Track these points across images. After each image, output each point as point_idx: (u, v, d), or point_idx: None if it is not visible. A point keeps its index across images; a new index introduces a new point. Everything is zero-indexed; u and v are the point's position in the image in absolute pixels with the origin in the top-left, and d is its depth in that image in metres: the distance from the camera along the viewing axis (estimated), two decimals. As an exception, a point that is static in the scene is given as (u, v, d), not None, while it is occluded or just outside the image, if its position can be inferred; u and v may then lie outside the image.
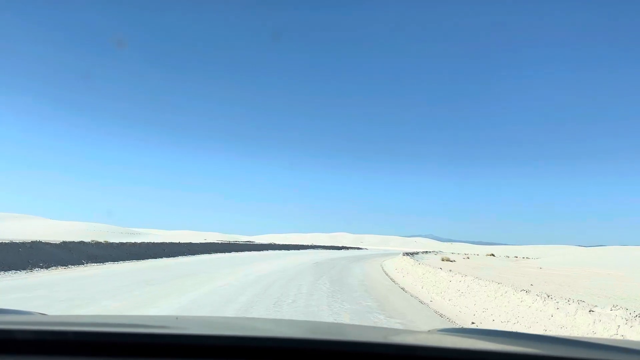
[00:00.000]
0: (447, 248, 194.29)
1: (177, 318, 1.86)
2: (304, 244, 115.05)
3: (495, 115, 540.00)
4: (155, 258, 22.90)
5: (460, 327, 7.57)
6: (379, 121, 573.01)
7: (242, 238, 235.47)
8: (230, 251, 37.36)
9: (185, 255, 27.27)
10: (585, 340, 1.68)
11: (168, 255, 24.73)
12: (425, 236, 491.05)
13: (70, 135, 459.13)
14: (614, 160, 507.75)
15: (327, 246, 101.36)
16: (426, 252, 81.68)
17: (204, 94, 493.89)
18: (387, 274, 21.54)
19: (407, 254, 48.96)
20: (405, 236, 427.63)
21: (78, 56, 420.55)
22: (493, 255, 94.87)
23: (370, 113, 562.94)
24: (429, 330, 2.04)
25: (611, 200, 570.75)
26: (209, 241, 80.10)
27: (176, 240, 50.39)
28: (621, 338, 5.79)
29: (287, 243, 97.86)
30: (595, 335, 6.28)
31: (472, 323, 9.01)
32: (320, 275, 17.67)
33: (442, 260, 42.46)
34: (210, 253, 32.36)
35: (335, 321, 7.68)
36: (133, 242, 28.77)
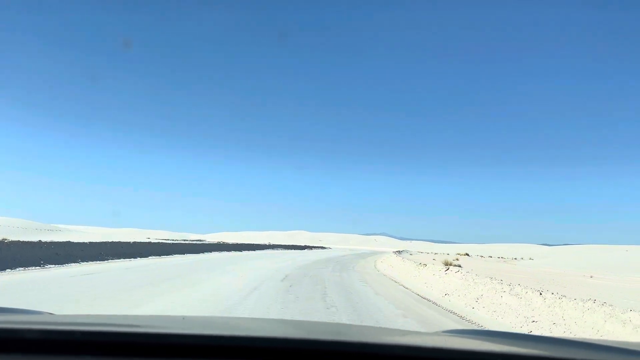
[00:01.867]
0: (409, 247, 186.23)
1: (184, 318, 1.87)
2: (261, 242, 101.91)
3: (447, 117, 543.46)
4: None
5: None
6: (335, 121, 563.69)
7: (192, 237, 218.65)
8: (150, 255, 24.38)
9: (37, 266, 14.32)
10: (590, 341, 1.63)
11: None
12: (381, 234, 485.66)
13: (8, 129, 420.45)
14: (568, 161, 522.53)
15: (287, 245, 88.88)
16: (399, 251, 70.97)
17: (150, 87, 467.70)
18: (448, 310, 9.57)
19: (398, 252, 38.83)
20: (363, 234, 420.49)
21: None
22: (468, 254, 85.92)
23: (327, 113, 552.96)
24: (434, 332, 2.01)
25: (563, 202, 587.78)
26: (150, 240, 65.73)
27: (106, 240, 36.56)
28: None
29: (240, 242, 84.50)
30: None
31: None
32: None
33: (446, 264, 30.97)
34: (106, 260, 19.40)
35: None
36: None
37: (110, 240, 24.58)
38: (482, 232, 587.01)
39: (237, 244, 56.79)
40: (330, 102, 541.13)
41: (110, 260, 19.53)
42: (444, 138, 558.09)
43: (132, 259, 21.33)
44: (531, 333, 6.57)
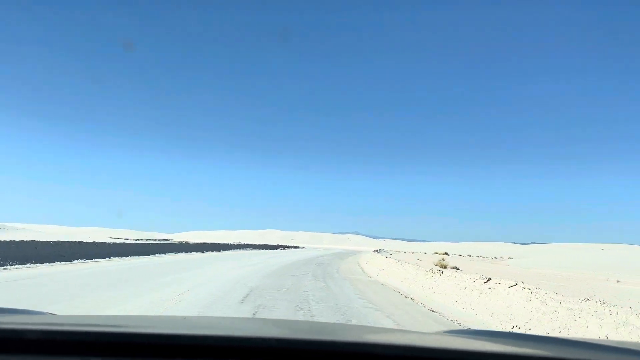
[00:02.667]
0: (384, 246, 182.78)
1: (184, 319, 1.85)
2: (230, 242, 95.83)
3: (413, 117, 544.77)
4: None
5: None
6: (304, 119, 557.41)
7: (159, 236, 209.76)
8: (78, 258, 18.78)
9: None
10: (591, 341, 1.62)
11: None
12: (354, 233, 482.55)
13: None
14: (537, 161, 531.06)
15: (258, 245, 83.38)
16: (377, 250, 66.55)
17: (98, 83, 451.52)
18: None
19: (377, 251, 33.70)
20: (336, 233, 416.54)
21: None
22: (447, 254, 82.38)
23: (294, 111, 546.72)
24: (436, 332, 2.00)
25: (531, 201, 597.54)
26: (112, 241, 59.08)
27: (45, 239, 30.33)
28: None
29: (206, 242, 78.37)
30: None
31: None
32: None
33: (442, 267, 26.26)
34: (1, 266, 13.77)
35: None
36: None
37: (18, 240, 18.77)
38: (454, 231, 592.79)
39: (200, 243, 50.96)
40: (309, 103, 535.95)
41: (5, 268, 13.92)
42: (417, 138, 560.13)
43: (46, 264, 15.74)
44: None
